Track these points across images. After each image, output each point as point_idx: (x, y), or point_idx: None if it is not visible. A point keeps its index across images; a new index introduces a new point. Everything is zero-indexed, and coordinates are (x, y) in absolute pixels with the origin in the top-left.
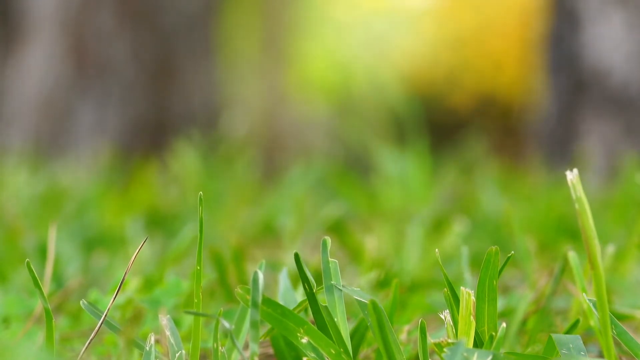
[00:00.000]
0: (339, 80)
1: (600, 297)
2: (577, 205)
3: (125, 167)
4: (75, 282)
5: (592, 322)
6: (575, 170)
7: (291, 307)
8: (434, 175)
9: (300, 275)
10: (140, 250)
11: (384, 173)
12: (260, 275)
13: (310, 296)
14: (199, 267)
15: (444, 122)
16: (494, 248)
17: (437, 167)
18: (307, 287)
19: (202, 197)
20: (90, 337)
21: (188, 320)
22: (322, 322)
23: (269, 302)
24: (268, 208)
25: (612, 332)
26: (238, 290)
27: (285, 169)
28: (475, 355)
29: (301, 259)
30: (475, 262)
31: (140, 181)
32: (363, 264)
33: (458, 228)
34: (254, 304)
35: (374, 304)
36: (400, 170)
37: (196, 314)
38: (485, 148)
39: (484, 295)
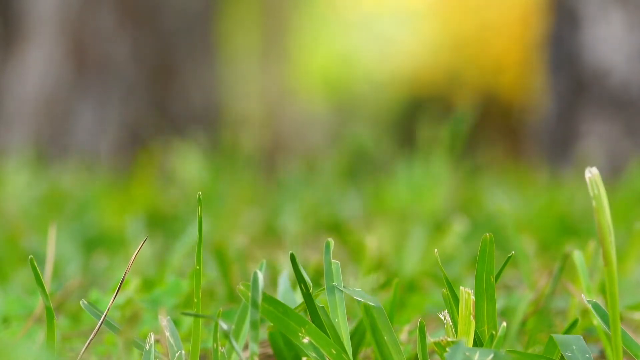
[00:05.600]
0: (340, 79)
1: (612, 294)
2: (594, 203)
3: (126, 167)
4: (75, 282)
5: (595, 322)
6: (594, 169)
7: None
8: (435, 174)
9: (296, 276)
10: (141, 251)
11: (385, 172)
12: (260, 276)
13: (307, 296)
14: (198, 267)
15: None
16: (488, 235)
17: (437, 165)
18: (303, 287)
19: (200, 197)
20: (90, 337)
21: (188, 320)
22: (319, 323)
23: (271, 300)
24: (269, 208)
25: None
26: (240, 287)
27: (287, 168)
28: (477, 354)
29: (297, 260)
30: (475, 262)
31: (140, 181)
32: (364, 264)
33: (459, 228)
34: (254, 304)
35: (366, 307)
36: (403, 169)
37: (195, 315)
38: (491, 149)
39: (482, 291)
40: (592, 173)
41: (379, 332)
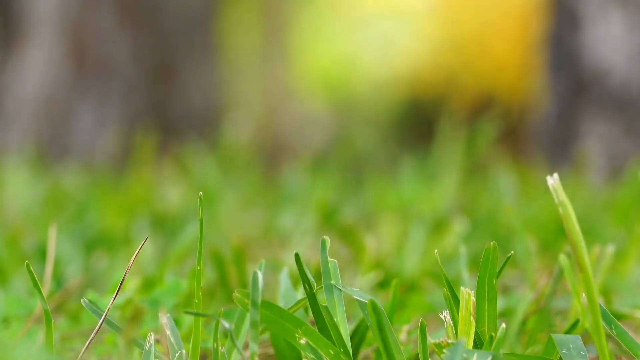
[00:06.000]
0: (340, 79)
1: (592, 299)
2: (561, 210)
3: (126, 167)
4: (75, 283)
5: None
6: (555, 175)
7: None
8: (435, 174)
9: (300, 276)
10: (141, 251)
11: (386, 172)
12: (260, 276)
13: (311, 296)
14: (199, 267)
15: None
16: (492, 244)
17: (438, 166)
18: (307, 287)
19: (202, 198)
20: (91, 337)
21: (188, 320)
22: (323, 323)
23: (267, 305)
24: (270, 207)
25: (612, 332)
26: (236, 294)
27: (287, 168)
28: (475, 355)
29: (301, 259)
30: (476, 262)
31: (141, 181)
32: (364, 264)
33: (459, 228)
34: (254, 304)
35: (373, 304)
36: (403, 169)
37: (196, 314)
38: (491, 149)
39: (483, 293)
40: (554, 180)
41: (384, 328)
